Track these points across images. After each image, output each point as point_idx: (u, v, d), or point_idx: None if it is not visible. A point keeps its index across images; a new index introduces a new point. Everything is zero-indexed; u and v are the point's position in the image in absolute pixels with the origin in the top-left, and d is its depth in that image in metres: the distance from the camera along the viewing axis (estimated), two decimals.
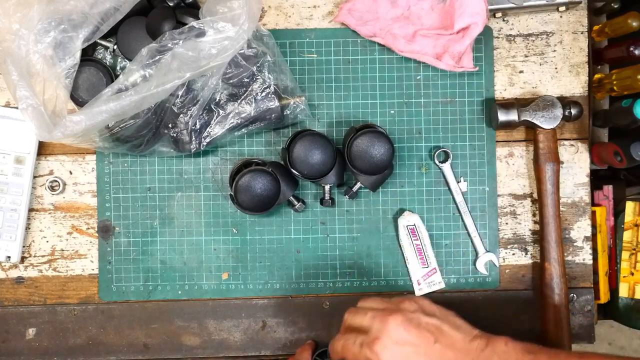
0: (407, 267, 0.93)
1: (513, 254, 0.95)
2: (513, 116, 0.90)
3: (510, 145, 0.95)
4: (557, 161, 0.91)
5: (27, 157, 0.91)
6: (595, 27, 0.94)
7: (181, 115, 0.86)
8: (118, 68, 0.92)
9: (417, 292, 0.93)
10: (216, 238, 0.94)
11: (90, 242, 0.94)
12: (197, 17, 0.84)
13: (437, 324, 0.74)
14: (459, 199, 0.93)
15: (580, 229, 0.95)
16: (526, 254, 0.95)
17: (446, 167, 0.93)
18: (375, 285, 0.94)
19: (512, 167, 0.94)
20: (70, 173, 0.93)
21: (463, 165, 0.94)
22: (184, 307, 0.94)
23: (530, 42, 0.94)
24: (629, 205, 0.97)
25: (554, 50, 0.94)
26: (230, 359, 0.95)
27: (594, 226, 0.96)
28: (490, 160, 0.94)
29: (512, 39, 0.94)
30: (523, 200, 0.94)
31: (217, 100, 0.88)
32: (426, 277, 0.93)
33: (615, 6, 0.93)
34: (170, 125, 0.87)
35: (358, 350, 0.74)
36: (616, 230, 0.98)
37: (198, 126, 0.87)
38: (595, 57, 0.97)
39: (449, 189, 0.94)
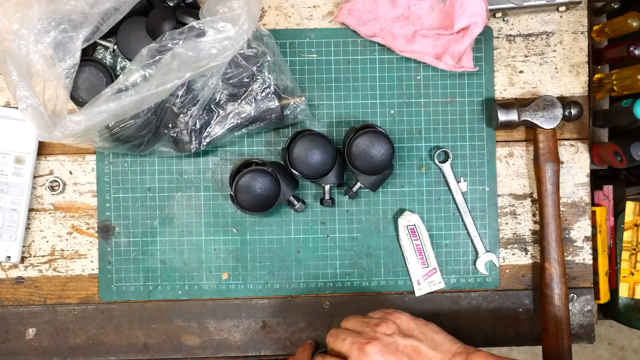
0: (407, 267, 0.93)
1: (513, 254, 0.95)
2: (513, 116, 0.90)
3: (510, 145, 0.95)
4: (557, 161, 0.91)
5: (27, 157, 0.91)
6: (595, 27, 0.94)
7: (181, 115, 0.86)
8: (118, 68, 0.92)
9: (417, 292, 0.93)
10: (216, 238, 0.94)
11: (90, 242, 0.94)
12: (197, 17, 0.84)
13: (415, 345, 0.77)
14: (459, 199, 0.93)
15: (580, 229, 0.95)
16: (526, 254, 0.95)
17: (446, 167, 0.93)
18: (375, 285, 0.94)
19: (512, 167, 0.94)
20: (70, 173, 0.93)
21: (463, 165, 0.94)
22: (184, 307, 0.94)
23: (530, 42, 0.94)
24: (629, 205, 0.97)
25: (554, 50, 0.94)
26: (230, 359, 0.95)
27: (594, 226, 0.96)
28: (490, 160, 0.94)
29: (512, 39, 0.94)
30: (523, 200, 0.94)
31: (217, 100, 0.88)
32: (426, 277, 0.93)
33: (615, 6, 0.93)
34: (170, 125, 0.87)
35: None
36: (616, 230, 0.98)
37: (198, 126, 0.87)
38: (595, 57, 0.97)
39: (449, 189, 0.94)
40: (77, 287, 0.94)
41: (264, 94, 0.87)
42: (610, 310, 1.00)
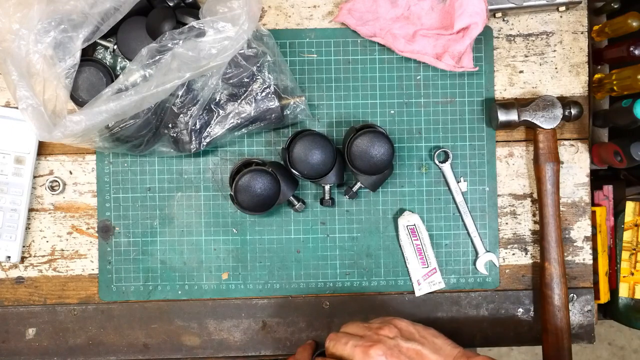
0: (407, 267, 0.93)
1: (513, 254, 0.95)
2: (513, 116, 0.90)
3: (510, 145, 0.95)
4: (557, 161, 0.91)
5: (27, 157, 0.91)
6: (595, 27, 0.94)
7: (181, 115, 0.86)
8: (118, 68, 0.92)
9: (417, 292, 0.93)
10: (216, 238, 0.94)
11: (90, 242, 0.94)
12: (197, 17, 0.84)
13: (417, 348, 0.77)
14: (459, 199, 0.93)
15: (580, 229, 0.95)
16: (526, 254, 0.95)
17: (446, 167, 0.93)
18: (375, 285, 0.94)
19: (512, 167, 0.94)
20: (70, 173, 0.93)
21: (463, 165, 0.94)
22: (184, 307, 0.94)
23: (530, 42, 0.94)
24: (629, 205, 0.97)
25: (554, 50, 0.94)
26: (230, 359, 0.95)
27: (594, 226, 0.96)
28: (490, 160, 0.94)
29: (512, 39, 0.94)
30: (523, 200, 0.94)
31: (217, 100, 0.88)
32: (426, 277, 0.93)
33: (615, 6, 0.93)
34: (170, 125, 0.87)
35: None
36: (616, 230, 0.98)
37: (198, 126, 0.87)
38: (595, 57, 0.97)
39: (449, 189, 0.94)
40: (77, 287, 0.94)
41: (264, 94, 0.87)
42: (610, 310, 1.00)
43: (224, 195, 0.94)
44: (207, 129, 0.88)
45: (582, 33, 0.94)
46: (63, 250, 0.93)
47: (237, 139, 0.93)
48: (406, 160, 0.94)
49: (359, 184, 0.91)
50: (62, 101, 0.81)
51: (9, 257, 0.90)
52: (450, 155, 0.93)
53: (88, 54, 0.90)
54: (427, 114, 0.94)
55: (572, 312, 0.94)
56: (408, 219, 0.92)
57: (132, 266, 0.93)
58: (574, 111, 0.90)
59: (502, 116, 0.90)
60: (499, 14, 0.93)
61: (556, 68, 0.94)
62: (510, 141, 0.95)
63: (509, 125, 0.90)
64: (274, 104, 0.87)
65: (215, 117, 0.88)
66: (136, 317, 0.94)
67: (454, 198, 0.94)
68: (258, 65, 0.87)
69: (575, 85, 0.94)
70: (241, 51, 0.85)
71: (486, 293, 0.95)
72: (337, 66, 0.94)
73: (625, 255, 0.97)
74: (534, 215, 0.94)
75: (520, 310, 0.95)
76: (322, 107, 0.94)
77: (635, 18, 0.86)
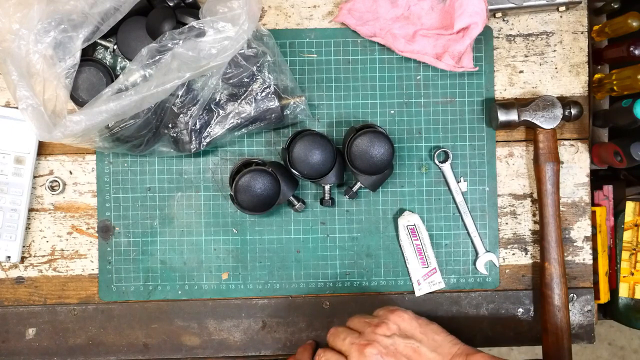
0: (407, 267, 0.93)
1: (513, 254, 0.95)
2: (513, 116, 0.90)
3: (510, 145, 0.95)
4: (557, 161, 0.91)
5: (27, 157, 0.91)
6: (595, 27, 0.94)
7: (181, 115, 0.86)
8: (118, 68, 0.92)
9: (417, 292, 0.93)
10: (216, 238, 0.94)
11: (90, 242, 0.94)
12: (197, 17, 0.84)
13: (415, 346, 0.77)
14: (459, 199, 0.93)
15: (580, 229, 0.95)
16: (526, 254, 0.95)
17: (446, 167, 0.93)
18: (375, 285, 0.94)
19: (512, 167, 0.94)
20: (70, 173, 0.93)
21: (463, 165, 0.94)
22: (184, 307, 0.94)
23: (530, 42, 0.94)
24: (629, 205, 0.97)
25: (554, 50, 0.94)
26: (230, 359, 0.95)
27: (594, 226, 0.96)
28: (490, 160, 0.94)
29: (512, 39, 0.94)
30: (523, 200, 0.94)
31: (217, 100, 0.88)
32: (426, 277, 0.93)
33: (615, 6, 0.93)
34: (170, 125, 0.87)
35: None
36: (616, 230, 0.98)
37: (198, 126, 0.87)
38: (595, 57, 0.97)
39: (449, 189, 0.94)
40: (77, 287, 0.94)
41: (264, 94, 0.87)
42: (610, 310, 1.00)
43: (224, 195, 0.94)
44: (207, 129, 0.88)
45: (582, 33, 0.94)
46: (63, 250, 0.94)
47: (237, 139, 0.93)
48: (406, 160, 0.94)
49: (359, 184, 0.91)
50: (62, 101, 0.81)
51: (9, 257, 0.90)
52: (450, 155, 0.93)
53: (88, 54, 0.90)
54: (427, 114, 0.94)
55: (572, 312, 0.94)
56: (408, 219, 0.92)
57: (132, 266, 0.93)
58: (574, 111, 0.90)
59: (502, 116, 0.90)
60: (499, 14, 0.93)
61: (556, 68, 0.94)
62: (510, 141, 0.95)
63: (509, 125, 0.90)
64: (274, 104, 0.87)
65: (215, 117, 0.88)
66: (136, 317, 0.94)
67: (454, 198, 0.94)
68: (258, 65, 0.87)
69: (575, 85, 0.94)
70: (241, 51, 0.85)
71: (486, 293, 0.95)
72: (337, 66, 0.94)
73: (625, 255, 0.97)
74: (534, 215, 0.94)
75: (520, 310, 0.95)
76: (322, 107, 0.94)
77: (635, 18, 0.86)
